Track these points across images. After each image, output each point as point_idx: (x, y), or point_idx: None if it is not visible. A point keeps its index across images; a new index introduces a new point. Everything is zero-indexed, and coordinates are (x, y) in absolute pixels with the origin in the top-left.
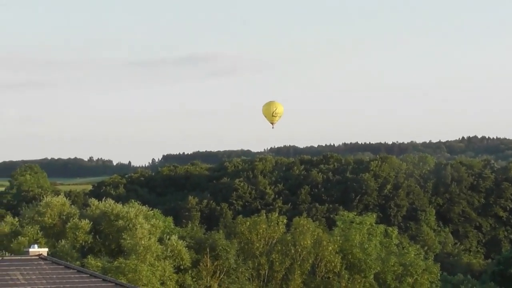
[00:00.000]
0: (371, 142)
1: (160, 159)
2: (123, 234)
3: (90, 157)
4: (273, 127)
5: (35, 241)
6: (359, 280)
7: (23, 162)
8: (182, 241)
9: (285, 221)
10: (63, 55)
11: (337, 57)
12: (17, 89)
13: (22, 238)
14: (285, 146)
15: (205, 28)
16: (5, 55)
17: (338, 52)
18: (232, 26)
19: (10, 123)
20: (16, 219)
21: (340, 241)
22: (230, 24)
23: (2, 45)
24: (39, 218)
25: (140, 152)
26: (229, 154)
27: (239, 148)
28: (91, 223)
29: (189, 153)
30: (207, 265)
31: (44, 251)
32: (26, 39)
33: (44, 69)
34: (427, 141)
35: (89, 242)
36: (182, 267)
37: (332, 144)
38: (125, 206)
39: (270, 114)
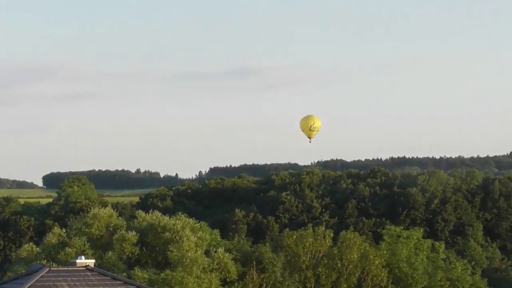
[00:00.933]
0: (418, 157)
1: (207, 171)
2: (169, 246)
3: (137, 169)
4: (310, 142)
5: (82, 252)
6: None
7: (71, 173)
8: (228, 253)
9: (331, 234)
10: (113, 67)
11: (384, 71)
12: (66, 100)
13: (69, 249)
14: (332, 160)
15: (253, 41)
16: (55, 67)
17: (385, 66)
18: (278, 40)
19: (59, 135)
20: (64, 230)
21: (387, 255)
22: (277, 37)
23: (51, 57)
24: (86, 230)
25: (187, 164)
26: (276, 167)
27: (286, 162)
28: (138, 235)
29: (236, 166)
30: (253, 278)
31: (91, 262)
32: (75, 50)
33: (93, 81)
34: (475, 156)
35: (135, 253)
36: (228, 279)
37: (379, 158)
38: (172, 218)
39: (307, 128)
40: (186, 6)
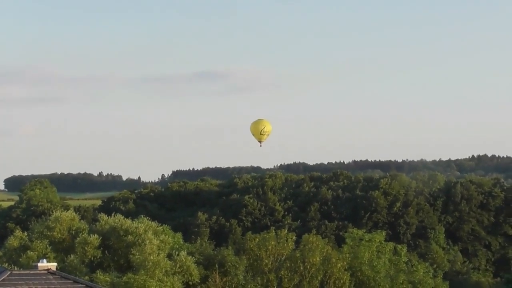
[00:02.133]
0: (381, 160)
1: (169, 174)
2: (132, 249)
3: (99, 172)
4: (260, 145)
5: (44, 256)
6: None
7: (33, 176)
8: (191, 257)
9: (294, 238)
10: (76, 71)
11: (351, 75)
12: (29, 104)
13: (31, 252)
14: (294, 163)
15: (218, 44)
16: (19, 70)
17: (351, 70)
18: (245, 43)
19: (21, 138)
20: (26, 233)
21: (349, 258)
22: (244, 40)
23: (15, 61)
24: (48, 233)
25: (149, 167)
26: (239, 170)
27: (249, 165)
28: (100, 238)
29: (199, 169)
30: (216, 281)
31: (53, 265)
32: (39, 54)
33: (57, 84)
34: (437, 159)
35: (98, 257)
36: (191, 283)
37: (342, 161)
38: (134, 222)
39: (258, 132)
40: (155, 8)
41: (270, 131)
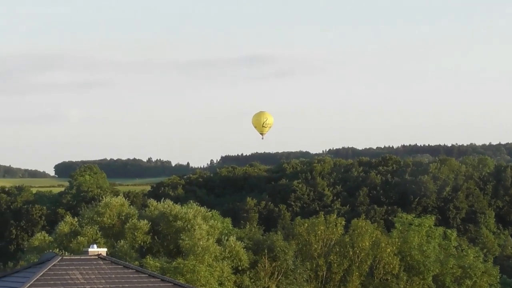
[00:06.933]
0: (430, 144)
1: (218, 160)
2: (181, 234)
3: (149, 158)
4: (262, 138)
5: (94, 241)
6: (417, 282)
7: (83, 162)
8: (240, 242)
9: (343, 222)
10: (125, 56)
11: (398, 58)
12: (78, 89)
13: (81, 238)
14: (343, 148)
15: (266, 28)
16: (68, 56)
17: (397, 53)
18: (291, 26)
19: (71, 124)
20: (76, 219)
21: (399, 243)
22: (292, 24)
23: (63, 45)
24: (98, 218)
25: (198, 153)
26: (288, 155)
27: (298, 150)
28: (150, 223)
29: (248, 155)
30: (265, 266)
31: (103, 251)
32: (88, 39)
33: (105, 70)
34: (487, 143)
35: (147, 242)
36: (240, 268)
37: (390, 146)
38: (183, 207)
39: (260, 124)
40: None
41: (272, 123)
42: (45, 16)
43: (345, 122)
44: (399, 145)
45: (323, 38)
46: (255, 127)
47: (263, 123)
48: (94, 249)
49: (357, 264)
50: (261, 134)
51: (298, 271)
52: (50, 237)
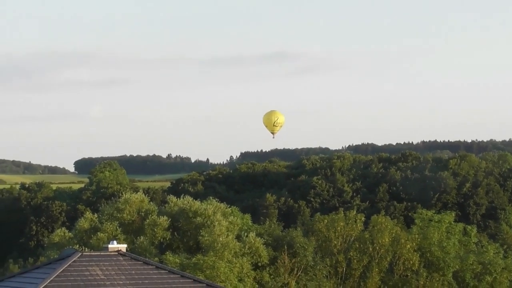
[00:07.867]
0: (449, 140)
1: (238, 156)
2: (201, 231)
3: (168, 154)
4: (273, 137)
5: (114, 237)
6: (437, 279)
7: (102, 158)
8: (260, 238)
9: (363, 219)
10: (147, 53)
11: (418, 55)
12: (99, 86)
13: (101, 234)
14: (363, 144)
15: (290, 25)
16: (89, 53)
17: (416, 52)
18: (318, 25)
19: (90, 121)
20: (96, 215)
21: (419, 239)
22: (316, 22)
23: (85, 43)
24: (118, 215)
25: (218, 149)
26: (307, 151)
27: (317, 146)
28: (170, 219)
29: (267, 151)
30: (284, 263)
31: (123, 247)
32: (110, 36)
33: (126, 67)
34: (507, 139)
35: (167, 238)
36: (260, 264)
37: (410, 142)
38: (203, 203)
39: (271, 124)
40: None
41: (283, 122)
42: (67, 14)
43: (365, 118)
44: (419, 141)
45: (345, 36)
46: (266, 126)
47: (274, 122)
48: (114, 245)
49: (376, 261)
50: (272, 133)
51: (318, 267)
52: (70, 233)
